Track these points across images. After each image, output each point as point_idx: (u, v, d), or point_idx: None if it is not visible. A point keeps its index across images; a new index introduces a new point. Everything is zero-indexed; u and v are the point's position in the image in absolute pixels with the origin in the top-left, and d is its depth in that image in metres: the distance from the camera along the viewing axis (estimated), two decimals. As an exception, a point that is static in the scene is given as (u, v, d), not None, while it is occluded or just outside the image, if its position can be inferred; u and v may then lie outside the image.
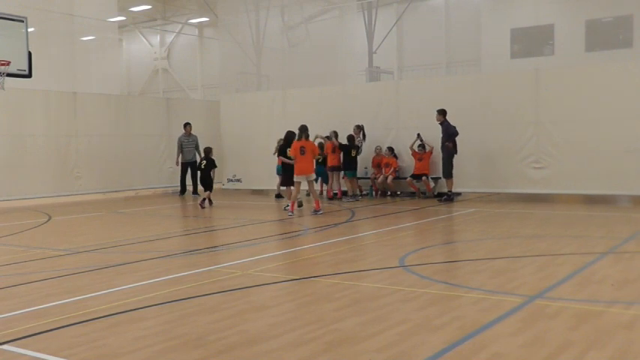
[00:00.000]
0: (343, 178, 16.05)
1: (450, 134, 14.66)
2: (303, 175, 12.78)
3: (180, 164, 18.14)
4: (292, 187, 13.20)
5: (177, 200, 17.38)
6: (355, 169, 16.01)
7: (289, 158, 13.19)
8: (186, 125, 18.06)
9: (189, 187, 18.44)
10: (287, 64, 26.12)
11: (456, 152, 14.75)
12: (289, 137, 13.56)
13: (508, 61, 22.60)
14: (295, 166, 12.83)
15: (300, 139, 12.94)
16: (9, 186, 15.92)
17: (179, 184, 18.40)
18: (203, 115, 19.97)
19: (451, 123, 14.65)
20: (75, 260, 8.30)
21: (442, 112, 14.78)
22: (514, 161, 14.96)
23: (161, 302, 5.82)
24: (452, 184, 14.89)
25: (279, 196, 16.50)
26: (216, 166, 15.22)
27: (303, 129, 13.04)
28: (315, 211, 12.76)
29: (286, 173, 13.64)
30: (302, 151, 12.74)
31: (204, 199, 14.78)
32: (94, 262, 8.09)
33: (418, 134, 15.70)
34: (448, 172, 14.80)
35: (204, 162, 14.98)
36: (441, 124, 14.79)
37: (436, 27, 25.65)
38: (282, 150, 13.79)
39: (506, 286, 6.19)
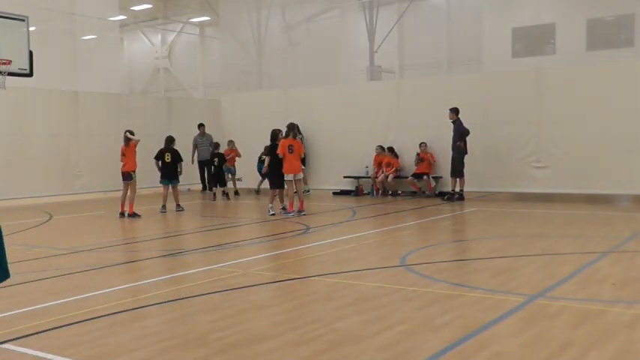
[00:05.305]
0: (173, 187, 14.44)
1: (461, 133, 14.63)
2: (292, 173, 12.63)
3: (197, 163, 18.18)
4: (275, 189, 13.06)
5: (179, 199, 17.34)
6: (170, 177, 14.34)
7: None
8: (200, 126, 18.07)
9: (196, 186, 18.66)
10: (288, 63, 26.05)
11: (466, 152, 14.73)
12: (274, 135, 13.06)
13: (509, 61, 22.51)
14: (284, 165, 12.66)
15: (287, 136, 12.83)
16: (10, 185, 15.90)
17: (200, 183, 18.51)
18: (204, 114, 19.92)
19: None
20: (75, 259, 8.30)
21: (455, 111, 14.73)
22: (515, 160, 14.95)
23: (162, 301, 5.82)
24: (464, 182, 14.89)
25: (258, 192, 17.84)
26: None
27: (292, 127, 12.92)
28: (299, 211, 12.69)
29: (273, 175, 12.98)
30: (290, 149, 12.66)
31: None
32: (94, 261, 8.08)
33: (418, 154, 16.06)
34: (460, 172, 14.79)
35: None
36: (453, 122, 14.77)
37: (437, 26, 25.56)
38: (272, 149, 12.98)
39: (507, 285, 6.19)
